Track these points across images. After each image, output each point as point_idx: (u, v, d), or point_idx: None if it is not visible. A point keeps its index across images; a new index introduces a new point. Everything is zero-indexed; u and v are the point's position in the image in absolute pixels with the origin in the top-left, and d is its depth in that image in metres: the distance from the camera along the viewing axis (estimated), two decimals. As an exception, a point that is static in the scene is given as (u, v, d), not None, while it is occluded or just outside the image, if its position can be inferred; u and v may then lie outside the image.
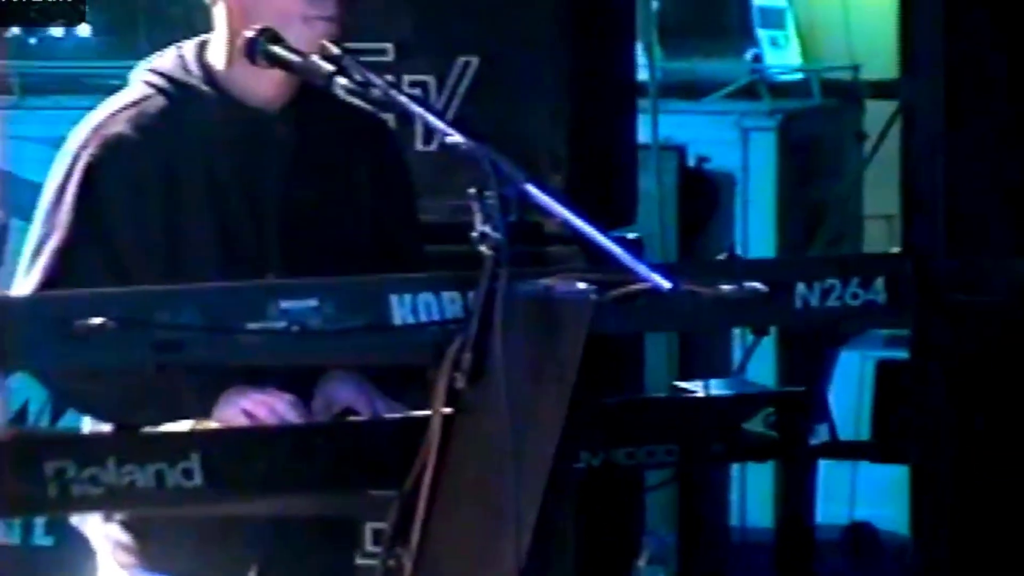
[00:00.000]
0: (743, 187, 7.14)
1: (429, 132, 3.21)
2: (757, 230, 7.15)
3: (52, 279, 2.98)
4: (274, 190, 3.08)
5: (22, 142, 5.66)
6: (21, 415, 6.73)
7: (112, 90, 3.20)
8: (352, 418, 2.83)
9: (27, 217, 5.34)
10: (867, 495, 6.65)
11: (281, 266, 2.94)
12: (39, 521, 5.98)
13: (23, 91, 5.89)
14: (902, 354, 5.86)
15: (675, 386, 2.85)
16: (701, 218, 6.55)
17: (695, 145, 6.77)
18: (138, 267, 2.95)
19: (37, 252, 3.03)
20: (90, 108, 3.21)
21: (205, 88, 3.07)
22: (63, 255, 3.01)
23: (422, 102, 2.86)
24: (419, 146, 3.29)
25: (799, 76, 8.15)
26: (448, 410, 2.46)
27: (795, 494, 5.95)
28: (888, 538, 6.64)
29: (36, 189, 5.21)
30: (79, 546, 5.48)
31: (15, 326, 2.43)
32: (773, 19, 8.71)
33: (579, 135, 4.07)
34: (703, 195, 6.63)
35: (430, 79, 3.96)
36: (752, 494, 6.44)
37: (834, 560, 6.35)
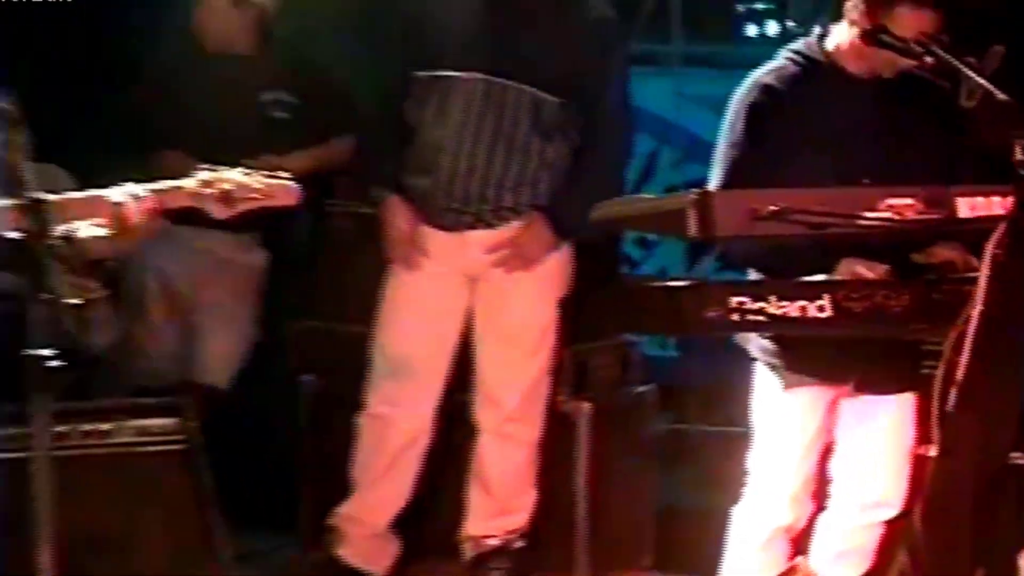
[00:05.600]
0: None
1: (971, 91, 3.42)
2: None
3: (731, 179, 3.85)
4: (863, 132, 3.85)
5: (681, 99, 6.37)
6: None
7: (753, 64, 4.08)
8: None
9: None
10: None
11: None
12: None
13: (683, 63, 6.39)
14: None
15: None
16: None
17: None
18: (783, 169, 3.73)
19: (720, 162, 3.93)
20: (735, 74, 4.05)
21: (823, 61, 3.95)
22: (738, 163, 3.87)
23: (974, 67, 3.39)
24: (962, 102, 3.40)
25: None
26: (988, 274, 3.15)
27: None
28: None
29: (688, 137, 5.91)
30: (696, 356, 5.92)
31: (718, 209, 3.18)
32: None
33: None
34: None
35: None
36: None
37: None
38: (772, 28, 7.05)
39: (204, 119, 5.06)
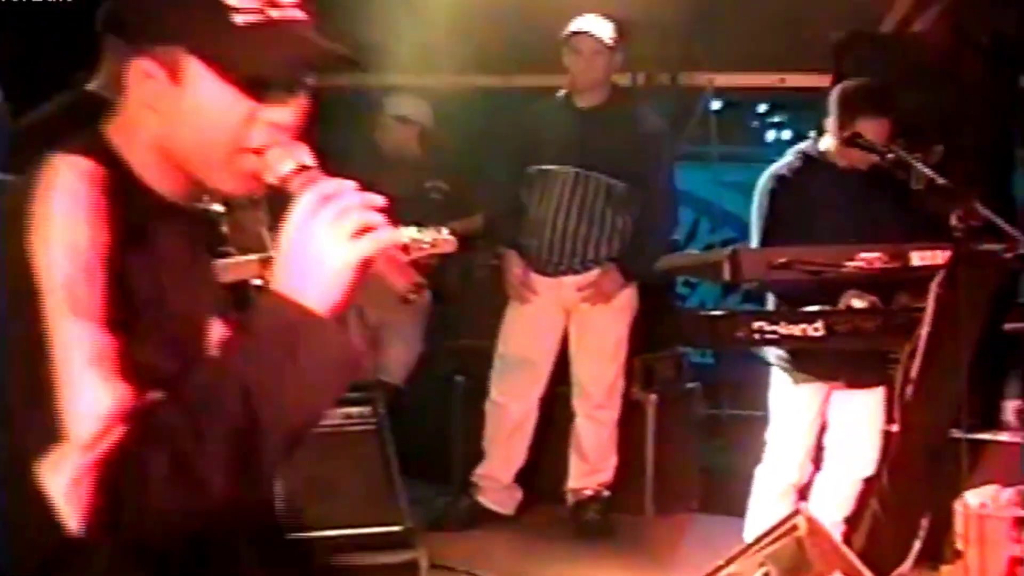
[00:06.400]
0: None
1: (919, 178, 3.46)
2: None
3: (763, 242, 3.82)
4: (848, 207, 3.81)
5: (718, 185, 6.30)
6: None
7: (771, 160, 4.05)
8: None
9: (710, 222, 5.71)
10: None
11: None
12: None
13: (719, 159, 6.28)
14: None
15: None
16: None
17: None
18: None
19: (754, 230, 3.90)
20: (757, 167, 4.02)
21: (818, 158, 3.96)
22: (765, 231, 3.83)
23: (921, 160, 3.41)
24: (913, 185, 3.51)
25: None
26: (933, 305, 3.18)
27: None
28: None
29: (722, 211, 5.69)
30: (728, 362, 5.84)
31: (744, 262, 3.20)
32: None
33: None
34: None
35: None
36: None
37: None
38: (786, 135, 7.04)
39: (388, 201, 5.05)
